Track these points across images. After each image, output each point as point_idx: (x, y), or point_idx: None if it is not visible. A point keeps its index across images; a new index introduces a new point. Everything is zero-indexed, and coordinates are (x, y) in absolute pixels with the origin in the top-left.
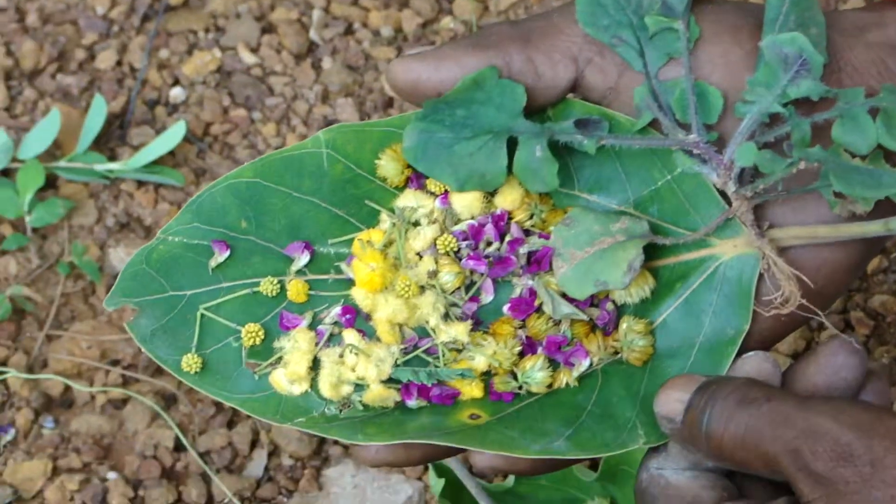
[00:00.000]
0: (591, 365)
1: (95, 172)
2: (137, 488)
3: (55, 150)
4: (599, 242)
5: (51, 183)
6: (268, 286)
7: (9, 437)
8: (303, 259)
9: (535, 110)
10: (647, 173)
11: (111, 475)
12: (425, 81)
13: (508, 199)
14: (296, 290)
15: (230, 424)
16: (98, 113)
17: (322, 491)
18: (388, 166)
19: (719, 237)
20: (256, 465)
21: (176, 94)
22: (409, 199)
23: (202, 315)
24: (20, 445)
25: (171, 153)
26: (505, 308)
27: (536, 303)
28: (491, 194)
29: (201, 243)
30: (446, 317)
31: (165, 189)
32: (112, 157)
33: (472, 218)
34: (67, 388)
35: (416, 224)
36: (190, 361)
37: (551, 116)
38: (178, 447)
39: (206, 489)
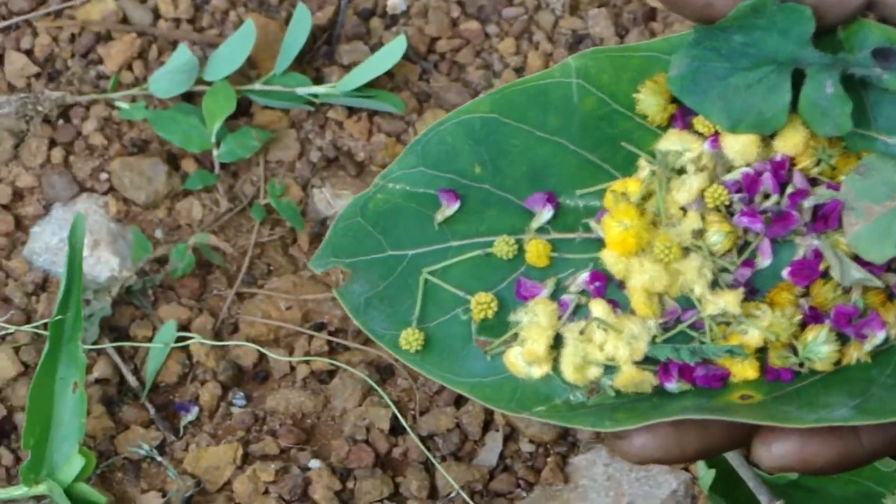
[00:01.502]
0: (887, 339)
1: (297, 97)
2: (346, 479)
3: (249, 70)
4: None
5: (243, 110)
6: (503, 247)
7: (191, 416)
8: (545, 213)
9: (823, 30)
10: None
11: (314, 463)
12: (703, 7)
13: (791, 142)
14: (536, 251)
15: (458, 403)
16: (301, 25)
17: (569, 483)
18: (649, 100)
19: None
20: (489, 451)
21: (395, 2)
22: (672, 141)
23: (426, 280)
24: (204, 427)
25: (389, 74)
26: (784, 273)
27: (822, 267)
28: (769, 138)
29: (427, 192)
30: (714, 284)
31: (381, 117)
32: (317, 79)
33: (748, 165)
34: (262, 358)
35: (681, 172)
36: (410, 337)
37: (843, 41)
38: (396, 430)
39: (429, 480)
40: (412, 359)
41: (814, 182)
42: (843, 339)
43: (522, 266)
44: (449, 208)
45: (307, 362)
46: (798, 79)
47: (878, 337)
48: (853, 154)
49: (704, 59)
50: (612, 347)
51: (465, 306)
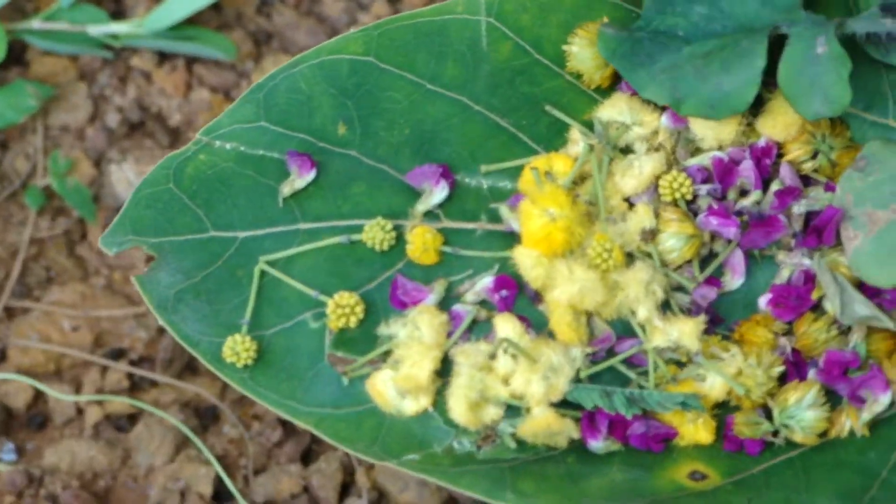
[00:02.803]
0: (892, 404)
1: (89, 38)
2: None
3: (24, 2)
4: None
5: (16, 56)
6: (376, 233)
7: None
8: (437, 193)
9: None
10: None
11: None
12: None
13: (780, 123)
14: (421, 242)
15: (306, 458)
16: None
17: None
18: (585, 54)
19: None
20: None
21: None
22: (617, 109)
23: (263, 273)
24: None
25: (216, 7)
26: (762, 301)
27: (814, 295)
28: (753, 115)
29: (269, 155)
30: (666, 307)
31: (204, 66)
32: (117, 14)
33: (721, 148)
34: (38, 396)
35: (628, 151)
36: (238, 347)
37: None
38: (221, 495)
39: None
40: (239, 377)
41: (807, 181)
42: (833, 402)
43: (401, 261)
44: (300, 179)
45: (100, 402)
46: (777, 46)
47: (880, 402)
48: (860, 146)
49: (650, 39)
50: (523, 382)
51: (316, 310)
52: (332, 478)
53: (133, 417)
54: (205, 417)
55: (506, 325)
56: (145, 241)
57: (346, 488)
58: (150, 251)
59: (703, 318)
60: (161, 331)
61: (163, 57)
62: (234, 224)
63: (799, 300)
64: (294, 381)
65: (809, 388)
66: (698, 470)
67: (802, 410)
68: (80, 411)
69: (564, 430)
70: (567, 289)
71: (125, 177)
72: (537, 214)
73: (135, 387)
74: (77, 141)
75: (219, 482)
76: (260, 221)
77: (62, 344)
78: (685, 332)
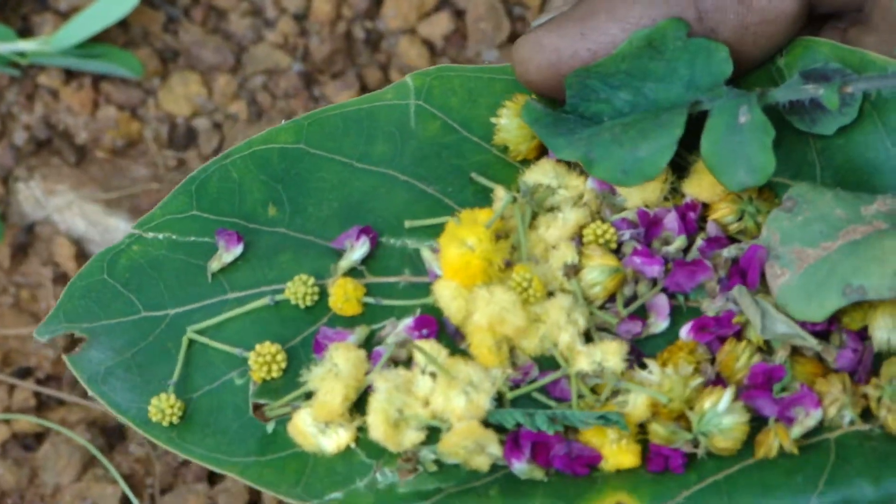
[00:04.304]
0: (821, 424)
1: None
2: None
3: None
4: (847, 232)
5: None
6: (297, 288)
7: None
8: (358, 249)
9: (755, 62)
10: None
11: None
12: (569, 60)
13: (705, 185)
14: (343, 293)
15: (212, 478)
16: None
17: None
18: (512, 126)
19: None
20: None
21: None
22: (543, 173)
23: (190, 342)
24: None
25: (123, 24)
26: (683, 331)
27: (735, 320)
28: (679, 179)
29: (199, 240)
30: (588, 339)
31: (111, 83)
32: (25, 32)
33: (646, 207)
34: None
35: (553, 210)
36: (164, 405)
37: (784, 67)
38: None
39: None
40: (167, 437)
41: (733, 241)
42: (759, 423)
43: (325, 316)
44: (228, 253)
45: (6, 422)
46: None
47: (812, 416)
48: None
49: (574, 120)
50: (442, 400)
51: (241, 369)
52: (238, 497)
53: (40, 436)
54: (111, 436)
55: (423, 346)
56: (78, 327)
57: None
58: (82, 334)
59: (626, 344)
60: (68, 349)
61: (70, 75)
62: (165, 303)
63: (719, 325)
64: (220, 435)
65: (726, 391)
66: (622, 501)
67: (719, 416)
68: None
69: (487, 444)
70: (486, 311)
71: (32, 195)
72: (456, 245)
73: (42, 405)
74: None
75: (125, 501)
76: (190, 297)
77: None
78: (609, 352)
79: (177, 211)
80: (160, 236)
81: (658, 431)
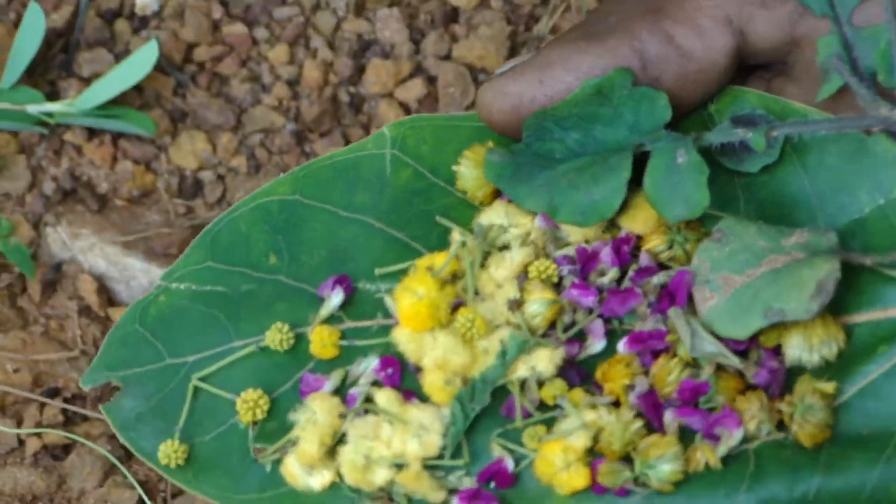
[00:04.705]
0: (743, 439)
1: (28, 116)
2: None
3: None
4: (769, 261)
5: None
6: (275, 335)
7: None
8: (334, 298)
9: (692, 107)
10: (850, 196)
11: None
12: (528, 104)
13: (640, 219)
14: (320, 339)
15: None
16: (33, 29)
17: None
18: (470, 174)
19: None
20: None
21: (145, 2)
22: (496, 214)
23: (196, 388)
24: None
25: (138, 88)
26: (621, 344)
27: (668, 338)
28: (617, 217)
29: (215, 290)
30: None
31: (128, 140)
32: (52, 95)
33: (586, 242)
34: None
35: (504, 248)
36: (169, 450)
37: (715, 114)
38: None
39: None
40: (185, 478)
41: (664, 268)
42: (686, 439)
43: (310, 361)
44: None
45: (38, 434)
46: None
47: (734, 437)
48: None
49: (531, 161)
50: (400, 443)
51: None
52: None
53: (67, 448)
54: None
55: (382, 397)
56: (115, 375)
57: None
58: (118, 382)
59: (562, 349)
60: (101, 396)
61: (92, 133)
62: (185, 351)
63: (654, 339)
64: (228, 476)
65: (669, 445)
66: None
67: (663, 463)
68: (21, 442)
69: (436, 489)
70: (432, 354)
71: (60, 238)
72: (407, 296)
73: (69, 421)
74: (17, 206)
75: None
76: (204, 346)
77: (5, 383)
78: (542, 357)
79: (195, 262)
80: (182, 286)
81: (604, 476)
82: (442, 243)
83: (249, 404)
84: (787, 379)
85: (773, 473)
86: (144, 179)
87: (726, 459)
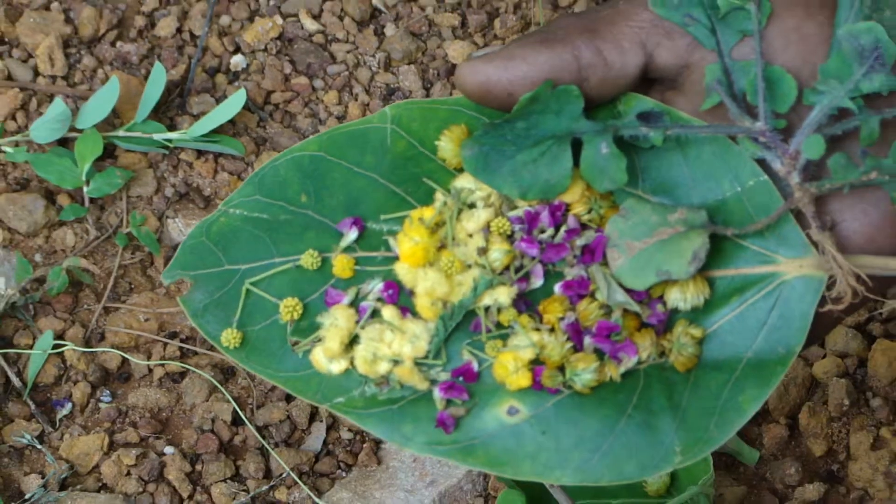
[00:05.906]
0: (638, 362)
1: (154, 142)
2: (195, 463)
3: (114, 119)
4: (659, 233)
5: (109, 153)
6: (308, 259)
7: (65, 410)
8: (351, 234)
9: (608, 101)
10: (716, 182)
11: (168, 449)
12: (495, 83)
13: (570, 191)
14: (341, 265)
15: (288, 398)
16: (157, 81)
17: (381, 465)
18: (447, 147)
19: (785, 255)
20: (315, 439)
21: (237, 61)
22: (467, 181)
23: (248, 291)
24: (76, 419)
25: (231, 122)
26: (557, 287)
27: (591, 287)
28: None
29: (261, 216)
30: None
31: (225, 158)
32: (171, 127)
33: (530, 206)
34: (125, 362)
35: (472, 206)
36: (229, 336)
37: (622, 110)
38: (236, 421)
39: (265, 463)
40: (238, 355)
41: (584, 227)
42: (599, 357)
43: (332, 279)
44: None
45: (162, 365)
46: (578, 147)
47: (631, 360)
48: (619, 206)
49: (493, 144)
50: (398, 345)
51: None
52: (304, 409)
53: (183, 374)
54: (227, 373)
55: (388, 312)
56: (187, 274)
57: (312, 416)
58: (189, 279)
59: (514, 287)
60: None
61: (199, 153)
62: (239, 260)
63: (581, 286)
64: (272, 357)
65: (592, 360)
66: (514, 405)
67: (585, 373)
68: (150, 370)
69: (422, 380)
70: (423, 284)
71: (177, 227)
72: (408, 241)
73: (184, 356)
74: (147, 205)
75: (235, 413)
76: (252, 258)
77: (139, 329)
78: (500, 292)
79: (247, 196)
80: (237, 212)
81: (546, 378)
82: (427, 197)
83: (289, 308)
84: (668, 320)
85: (655, 388)
86: (236, 186)
87: (625, 375)
